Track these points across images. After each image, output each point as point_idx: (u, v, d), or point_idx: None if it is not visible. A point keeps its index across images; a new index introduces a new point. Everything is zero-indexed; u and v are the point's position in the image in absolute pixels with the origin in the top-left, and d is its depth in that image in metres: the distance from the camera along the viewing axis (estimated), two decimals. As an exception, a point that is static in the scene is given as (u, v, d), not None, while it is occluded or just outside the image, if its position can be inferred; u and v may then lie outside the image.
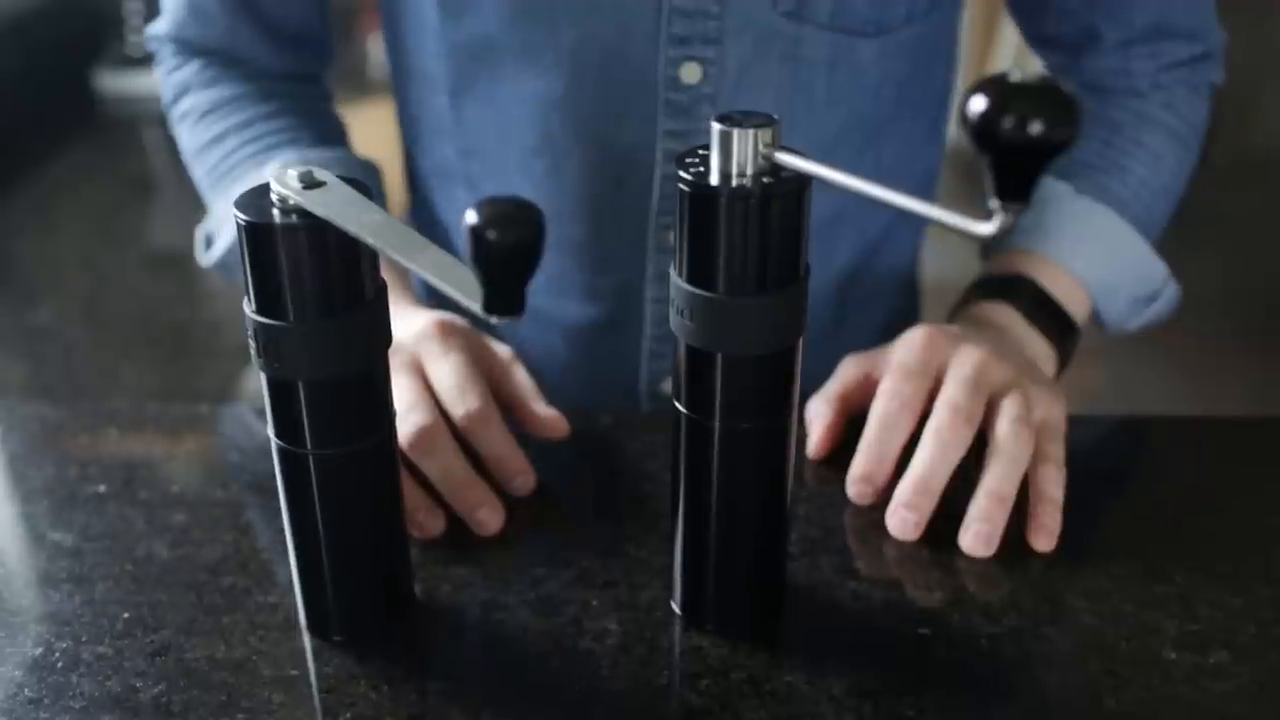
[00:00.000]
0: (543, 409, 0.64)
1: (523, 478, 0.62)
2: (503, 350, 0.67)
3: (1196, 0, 0.77)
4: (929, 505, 0.59)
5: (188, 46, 0.81)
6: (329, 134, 0.81)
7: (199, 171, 0.80)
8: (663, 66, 0.70)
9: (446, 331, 0.64)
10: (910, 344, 0.64)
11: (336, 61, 0.86)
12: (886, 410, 0.62)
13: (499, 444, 0.62)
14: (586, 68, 0.71)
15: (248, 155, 0.77)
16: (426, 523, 0.59)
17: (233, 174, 0.77)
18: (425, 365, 0.64)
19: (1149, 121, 0.77)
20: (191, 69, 0.81)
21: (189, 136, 0.80)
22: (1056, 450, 0.61)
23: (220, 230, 0.78)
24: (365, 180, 0.78)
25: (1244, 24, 0.82)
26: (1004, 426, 0.60)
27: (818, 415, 0.66)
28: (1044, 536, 0.58)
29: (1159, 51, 0.77)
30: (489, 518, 0.60)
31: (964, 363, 0.62)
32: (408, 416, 0.60)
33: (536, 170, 0.75)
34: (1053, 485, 0.60)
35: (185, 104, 0.81)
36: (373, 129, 0.92)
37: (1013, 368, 0.63)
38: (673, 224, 0.74)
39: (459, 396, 0.62)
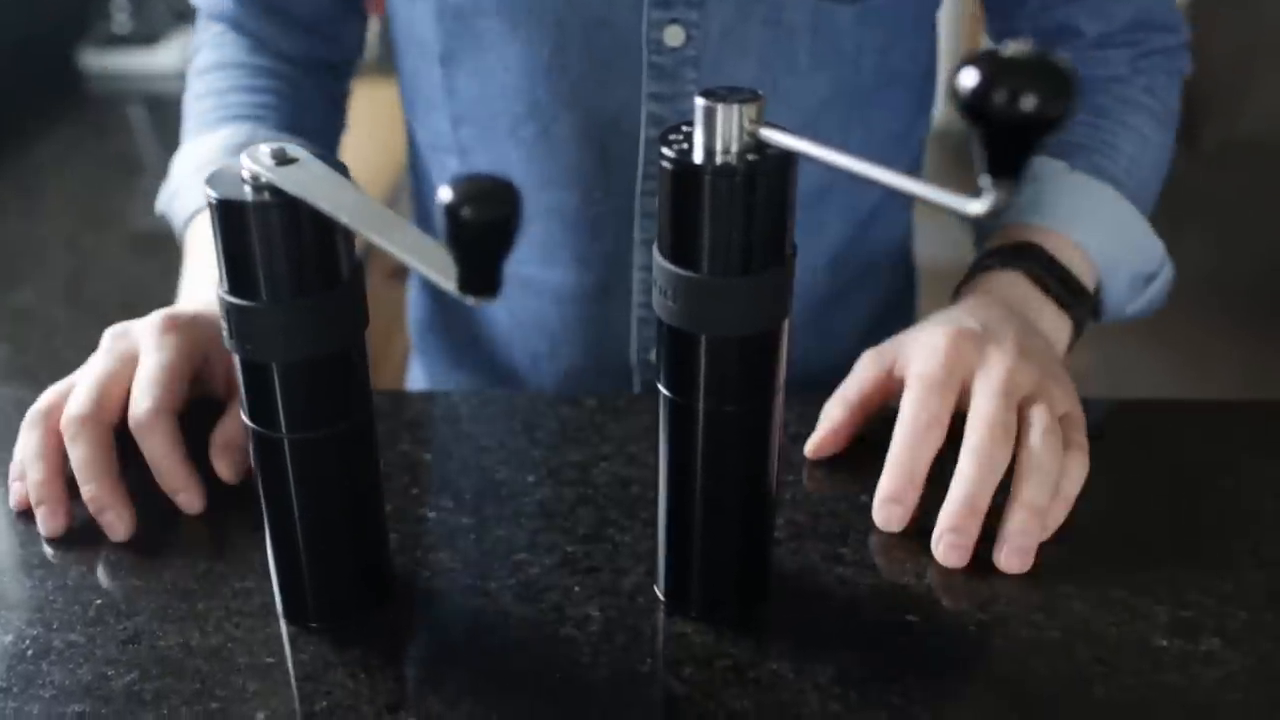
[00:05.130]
0: (220, 439, 0.62)
1: (184, 495, 0.60)
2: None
3: None
4: (976, 528, 0.56)
5: (210, 14, 0.85)
6: (305, 127, 0.81)
7: (184, 123, 0.83)
8: (646, 29, 0.69)
9: (168, 327, 0.62)
10: (934, 351, 0.61)
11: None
12: (914, 427, 0.58)
13: (159, 455, 0.59)
14: (571, 31, 0.70)
15: (212, 120, 0.79)
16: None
17: (194, 132, 0.80)
18: (140, 355, 0.62)
19: (1132, 104, 0.77)
20: (211, 32, 0.85)
21: (188, 89, 0.84)
22: (1080, 438, 0.59)
23: (170, 180, 0.81)
24: None
25: (1235, 9, 0.81)
26: (1036, 438, 0.57)
27: (829, 418, 0.64)
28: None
29: (1137, 40, 0.77)
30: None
31: (992, 372, 0.59)
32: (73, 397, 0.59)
33: (525, 137, 0.75)
34: (1070, 483, 0.58)
35: (196, 60, 0.85)
36: (362, 107, 0.92)
37: (1037, 369, 0.60)
38: (658, 190, 0.73)
39: (138, 395, 0.60)
